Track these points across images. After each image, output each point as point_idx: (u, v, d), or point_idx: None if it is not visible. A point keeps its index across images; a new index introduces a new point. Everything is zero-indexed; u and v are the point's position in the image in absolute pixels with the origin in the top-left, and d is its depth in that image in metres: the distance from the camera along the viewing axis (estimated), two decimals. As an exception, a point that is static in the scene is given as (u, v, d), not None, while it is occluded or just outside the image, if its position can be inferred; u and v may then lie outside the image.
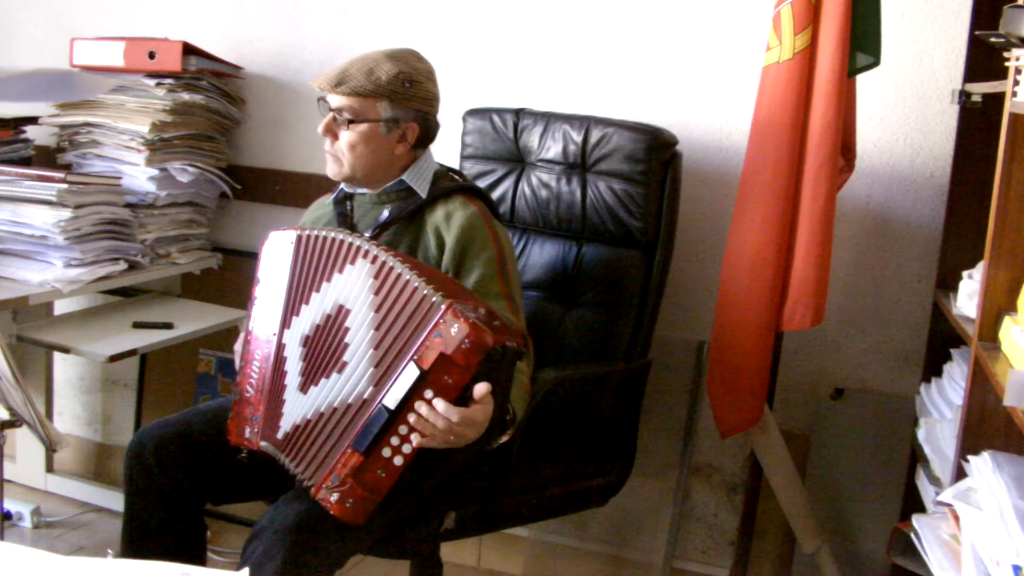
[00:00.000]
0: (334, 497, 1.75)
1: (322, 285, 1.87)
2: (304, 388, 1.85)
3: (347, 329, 1.81)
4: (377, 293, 1.79)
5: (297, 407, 1.86)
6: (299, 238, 1.91)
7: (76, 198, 2.51)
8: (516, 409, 1.84)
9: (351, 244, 1.85)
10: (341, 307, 1.83)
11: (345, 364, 1.80)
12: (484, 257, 2.00)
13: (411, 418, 1.70)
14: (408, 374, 1.71)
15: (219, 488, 2.06)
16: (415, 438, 1.70)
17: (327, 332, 1.84)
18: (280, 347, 1.90)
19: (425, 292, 1.74)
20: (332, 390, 1.81)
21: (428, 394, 1.69)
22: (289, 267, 1.91)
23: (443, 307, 1.70)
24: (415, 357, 1.71)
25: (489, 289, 1.98)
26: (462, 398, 1.69)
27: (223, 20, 3.05)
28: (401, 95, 2.01)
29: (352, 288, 1.83)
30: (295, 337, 1.88)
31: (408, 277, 1.76)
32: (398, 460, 1.72)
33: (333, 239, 1.87)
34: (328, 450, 1.79)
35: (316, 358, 1.85)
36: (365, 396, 1.77)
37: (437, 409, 1.68)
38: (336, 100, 2.02)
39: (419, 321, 1.73)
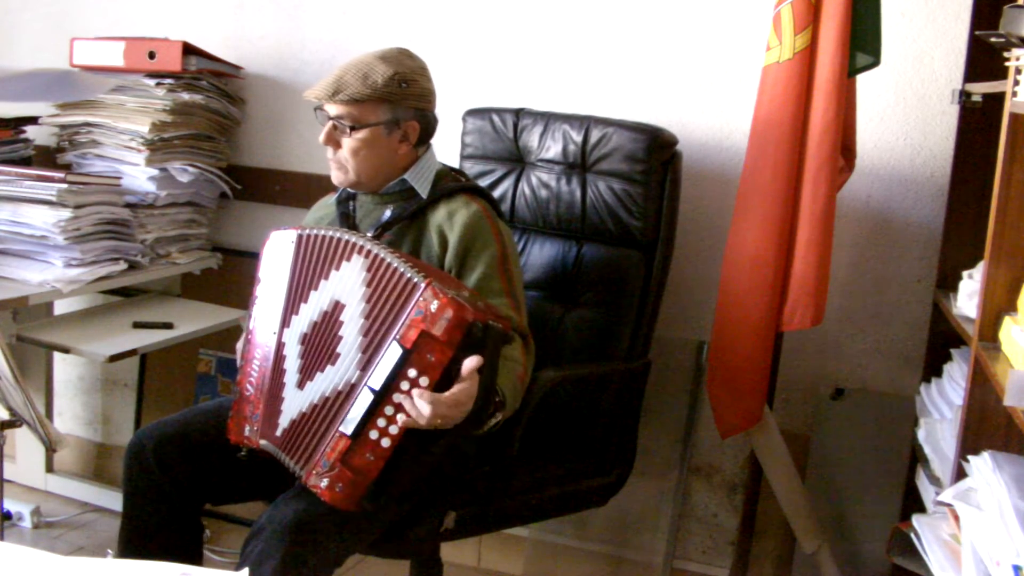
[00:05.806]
0: (324, 483, 1.76)
1: (320, 283, 1.87)
2: (302, 385, 1.86)
3: (341, 323, 1.82)
4: (368, 285, 1.80)
5: (295, 404, 1.86)
6: (299, 237, 1.91)
7: (76, 198, 2.51)
8: (507, 394, 1.83)
9: (348, 241, 1.86)
10: (337, 303, 1.84)
11: (338, 355, 1.81)
12: (486, 255, 2.00)
13: (397, 398, 1.71)
14: (391, 354, 1.73)
15: (218, 488, 2.06)
16: (401, 418, 1.70)
17: (324, 329, 1.85)
18: (280, 346, 1.90)
19: (409, 275, 1.76)
20: (325, 381, 1.82)
21: (412, 373, 1.70)
22: (289, 267, 1.92)
23: (423, 285, 1.72)
24: (397, 337, 1.73)
25: (490, 286, 1.98)
26: (447, 376, 1.70)
27: (223, 20, 3.05)
28: (399, 96, 2.00)
29: (347, 283, 1.84)
30: (294, 336, 1.89)
31: (396, 264, 1.78)
32: (386, 442, 1.72)
33: (332, 238, 1.88)
34: (319, 438, 1.80)
35: (313, 355, 1.85)
36: (352, 380, 1.78)
37: (422, 387, 1.68)
38: (335, 109, 2.01)
39: (402, 302, 1.75)
